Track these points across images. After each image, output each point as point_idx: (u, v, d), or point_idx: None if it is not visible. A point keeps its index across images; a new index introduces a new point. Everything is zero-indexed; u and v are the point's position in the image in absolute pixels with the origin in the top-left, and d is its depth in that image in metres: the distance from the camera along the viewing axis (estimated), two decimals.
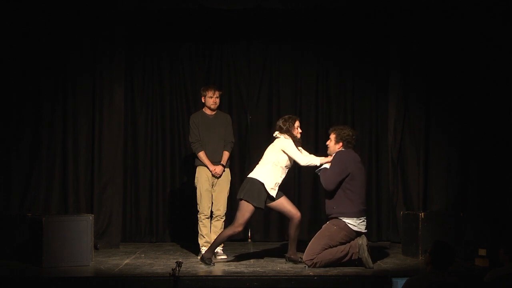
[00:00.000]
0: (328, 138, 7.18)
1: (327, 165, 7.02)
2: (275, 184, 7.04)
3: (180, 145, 9.03)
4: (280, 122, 7.17)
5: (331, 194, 6.94)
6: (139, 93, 9.00)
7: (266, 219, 8.97)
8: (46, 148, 8.27)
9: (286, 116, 7.25)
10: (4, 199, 8.09)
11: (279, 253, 7.76)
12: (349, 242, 6.88)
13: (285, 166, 7.07)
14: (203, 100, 7.75)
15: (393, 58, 8.79)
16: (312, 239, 6.97)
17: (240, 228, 7.06)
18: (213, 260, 7.14)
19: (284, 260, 7.25)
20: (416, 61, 8.39)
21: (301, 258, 6.97)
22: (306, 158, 7.08)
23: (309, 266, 6.81)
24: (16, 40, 8.06)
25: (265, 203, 7.07)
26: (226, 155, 7.68)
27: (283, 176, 7.11)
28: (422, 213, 7.56)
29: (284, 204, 7.15)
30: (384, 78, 8.95)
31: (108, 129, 8.35)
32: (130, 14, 8.38)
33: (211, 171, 7.59)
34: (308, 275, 6.48)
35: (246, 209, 6.98)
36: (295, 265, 6.99)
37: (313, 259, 6.81)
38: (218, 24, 8.87)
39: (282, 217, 8.33)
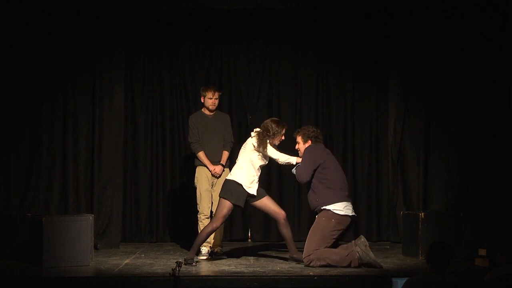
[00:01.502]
0: (296, 143, 7.20)
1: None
2: (251, 182, 7.04)
3: (180, 145, 9.03)
4: (271, 125, 7.08)
5: (310, 189, 7.01)
6: (139, 93, 9.00)
7: (266, 219, 8.94)
8: (46, 148, 8.26)
9: (277, 120, 7.20)
10: (4, 199, 8.09)
11: (279, 253, 7.76)
12: (342, 229, 6.91)
13: (260, 165, 7.08)
14: (202, 101, 7.75)
15: (393, 58, 8.79)
16: (307, 238, 6.98)
17: (216, 224, 7.04)
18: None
19: (287, 261, 7.24)
20: (416, 61, 8.39)
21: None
22: (285, 156, 7.11)
23: (305, 263, 6.81)
24: (16, 40, 8.06)
25: (248, 202, 7.09)
26: (225, 155, 7.69)
27: (258, 174, 7.10)
28: (422, 213, 7.55)
29: (268, 204, 7.14)
30: (384, 78, 8.94)
31: (108, 129, 8.35)
32: (130, 14, 8.38)
33: (210, 171, 7.59)
34: (308, 275, 6.46)
35: (223, 205, 7.01)
36: (295, 265, 6.97)
37: (310, 255, 6.82)
38: (218, 24, 8.87)
39: None
